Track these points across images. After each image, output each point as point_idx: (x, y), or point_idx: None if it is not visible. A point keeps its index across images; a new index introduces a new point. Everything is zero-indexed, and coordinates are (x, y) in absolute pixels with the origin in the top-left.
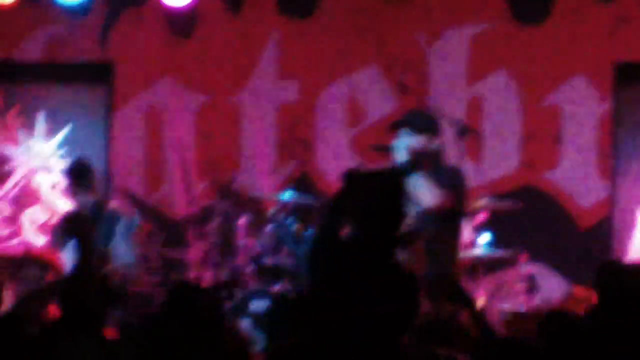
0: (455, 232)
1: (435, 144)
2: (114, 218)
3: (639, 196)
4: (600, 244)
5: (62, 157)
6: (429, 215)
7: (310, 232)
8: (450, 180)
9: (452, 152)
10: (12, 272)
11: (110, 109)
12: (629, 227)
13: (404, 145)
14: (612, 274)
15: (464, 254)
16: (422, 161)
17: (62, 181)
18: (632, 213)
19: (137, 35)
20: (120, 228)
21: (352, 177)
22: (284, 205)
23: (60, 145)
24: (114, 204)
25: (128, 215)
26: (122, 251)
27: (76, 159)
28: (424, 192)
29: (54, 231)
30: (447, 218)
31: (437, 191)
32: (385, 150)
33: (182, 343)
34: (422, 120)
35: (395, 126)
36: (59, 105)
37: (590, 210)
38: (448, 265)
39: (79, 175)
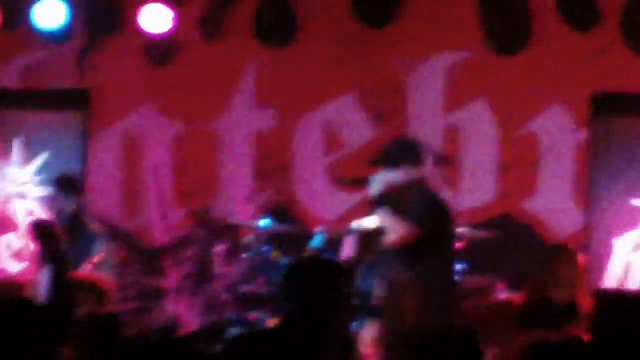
0: (437, 268)
1: (414, 174)
2: (92, 238)
3: (615, 226)
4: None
5: (38, 184)
6: (395, 255)
7: (286, 259)
8: (417, 212)
9: (430, 181)
10: None
11: (87, 136)
12: (605, 256)
13: (379, 180)
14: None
15: None
16: (400, 194)
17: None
18: (608, 243)
19: (115, 61)
20: (96, 249)
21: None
22: (261, 233)
23: (37, 172)
24: (95, 225)
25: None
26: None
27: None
28: (386, 228)
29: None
30: (415, 252)
31: (398, 225)
32: (360, 183)
33: None
34: (400, 153)
35: (374, 163)
36: (35, 131)
37: (567, 240)
38: (447, 309)
39: (64, 182)
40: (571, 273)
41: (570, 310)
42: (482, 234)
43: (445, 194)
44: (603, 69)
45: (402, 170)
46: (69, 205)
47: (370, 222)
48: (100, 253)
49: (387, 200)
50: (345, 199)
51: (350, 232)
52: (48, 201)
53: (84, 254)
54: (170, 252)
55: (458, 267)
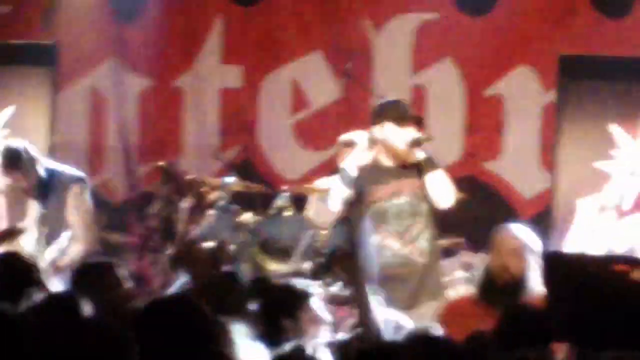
0: None
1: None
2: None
3: (580, 188)
4: (540, 235)
5: (4, 138)
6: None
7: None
8: None
9: None
10: None
11: (54, 91)
12: (569, 218)
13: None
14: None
15: None
16: None
17: None
18: (572, 205)
19: (82, 17)
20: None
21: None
22: (226, 191)
23: (3, 127)
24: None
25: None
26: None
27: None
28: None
29: None
30: None
31: None
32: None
33: None
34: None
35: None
36: (1, 86)
37: (531, 201)
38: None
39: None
40: None
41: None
42: None
43: None
44: (571, 31)
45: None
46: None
47: (334, 181)
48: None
49: None
50: (311, 158)
51: (315, 191)
52: None
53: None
54: (134, 208)
55: None
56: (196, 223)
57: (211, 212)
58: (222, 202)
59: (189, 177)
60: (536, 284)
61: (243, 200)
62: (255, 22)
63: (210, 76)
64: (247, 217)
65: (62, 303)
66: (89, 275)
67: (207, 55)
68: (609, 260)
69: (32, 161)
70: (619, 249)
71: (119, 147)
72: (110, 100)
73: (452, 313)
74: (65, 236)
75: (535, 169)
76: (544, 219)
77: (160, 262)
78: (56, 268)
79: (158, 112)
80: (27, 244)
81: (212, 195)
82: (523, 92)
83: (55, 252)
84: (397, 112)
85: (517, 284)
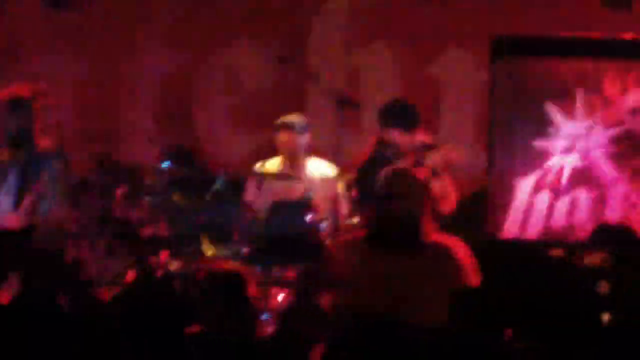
0: None
1: None
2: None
3: (518, 168)
4: (476, 215)
5: None
6: None
7: (189, 202)
8: None
9: (332, 123)
10: None
11: None
12: (506, 198)
13: None
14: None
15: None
16: None
17: None
18: (509, 185)
19: (21, 4)
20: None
21: None
22: (163, 176)
23: None
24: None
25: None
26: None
27: None
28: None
29: None
30: None
31: None
32: None
33: None
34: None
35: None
36: None
37: (467, 182)
38: None
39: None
40: None
41: None
42: None
43: (349, 136)
44: (504, 11)
45: None
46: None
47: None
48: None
49: None
50: (248, 142)
51: (252, 175)
52: None
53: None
54: (72, 195)
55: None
56: (133, 209)
57: (148, 198)
58: (159, 188)
59: (125, 163)
60: None
61: (180, 185)
62: (190, 7)
63: (148, 62)
64: (185, 202)
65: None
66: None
67: (144, 41)
68: (545, 246)
69: None
70: (557, 228)
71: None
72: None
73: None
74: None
75: (470, 149)
76: (480, 199)
77: (98, 249)
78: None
79: (94, 98)
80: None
81: (149, 181)
82: (457, 72)
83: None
84: (405, 119)
85: None
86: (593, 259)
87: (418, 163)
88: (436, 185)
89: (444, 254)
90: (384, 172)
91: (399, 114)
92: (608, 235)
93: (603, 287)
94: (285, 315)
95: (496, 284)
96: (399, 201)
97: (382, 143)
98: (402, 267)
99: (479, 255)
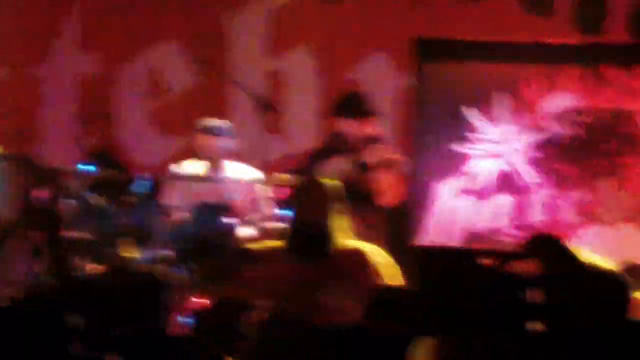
0: None
1: None
2: None
3: (438, 171)
4: (399, 220)
5: None
6: None
7: (108, 205)
8: None
9: (252, 127)
10: None
11: None
12: (428, 203)
13: None
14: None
15: (267, 226)
16: None
17: None
18: (431, 189)
19: None
20: None
21: None
22: (84, 179)
23: None
24: None
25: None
26: None
27: None
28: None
29: None
30: None
31: None
32: None
33: None
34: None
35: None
36: None
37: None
38: None
39: None
40: None
41: None
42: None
43: (268, 140)
44: (425, 15)
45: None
46: None
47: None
48: None
49: None
50: (169, 144)
51: (171, 176)
52: None
53: None
54: None
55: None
56: (54, 211)
57: (70, 200)
58: (81, 191)
59: (47, 166)
60: None
61: (102, 188)
62: (112, 9)
63: (68, 63)
64: (107, 204)
65: None
66: None
67: (65, 43)
68: (473, 253)
69: None
70: (481, 232)
71: None
72: None
73: None
74: None
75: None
76: (403, 203)
77: (23, 250)
78: None
79: (15, 100)
80: None
81: (71, 184)
82: (378, 77)
83: None
84: (352, 108)
85: None
86: (524, 267)
87: (357, 155)
88: (374, 179)
89: (356, 260)
90: (297, 182)
91: (347, 104)
92: (540, 244)
93: (534, 296)
94: (203, 319)
95: (420, 291)
96: (307, 211)
97: (332, 134)
98: (315, 274)
99: (402, 261)
